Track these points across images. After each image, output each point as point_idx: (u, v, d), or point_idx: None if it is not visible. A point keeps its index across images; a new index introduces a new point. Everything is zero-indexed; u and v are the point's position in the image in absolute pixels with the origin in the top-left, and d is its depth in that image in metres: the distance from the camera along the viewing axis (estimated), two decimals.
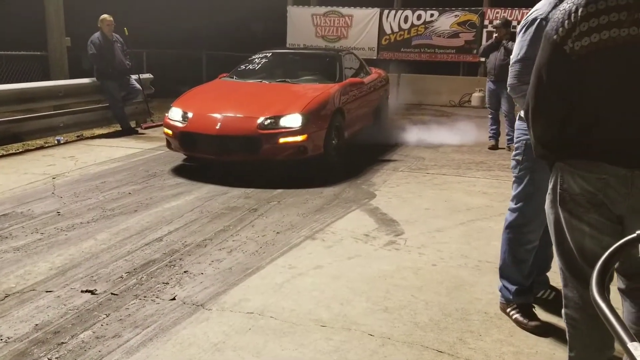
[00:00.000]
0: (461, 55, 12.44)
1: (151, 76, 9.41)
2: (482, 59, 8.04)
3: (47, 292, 3.13)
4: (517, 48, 2.65)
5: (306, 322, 2.85)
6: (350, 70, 7.33)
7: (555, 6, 2.63)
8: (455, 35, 12.35)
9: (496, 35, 7.49)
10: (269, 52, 7.78)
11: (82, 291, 3.14)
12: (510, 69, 2.68)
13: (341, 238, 4.06)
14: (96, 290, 3.16)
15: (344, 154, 6.41)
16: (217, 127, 5.54)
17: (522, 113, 2.80)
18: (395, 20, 12.72)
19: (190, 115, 5.80)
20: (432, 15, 12.45)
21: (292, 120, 5.58)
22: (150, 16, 12.01)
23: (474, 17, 12.19)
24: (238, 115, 5.70)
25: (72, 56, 9.77)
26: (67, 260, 3.57)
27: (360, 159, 6.67)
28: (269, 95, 6.24)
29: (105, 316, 2.87)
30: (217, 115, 5.69)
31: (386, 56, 12.83)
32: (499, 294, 3.03)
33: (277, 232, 4.14)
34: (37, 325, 2.77)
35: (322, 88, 6.30)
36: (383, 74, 8.53)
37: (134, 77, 8.41)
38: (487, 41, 9.40)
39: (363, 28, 12.98)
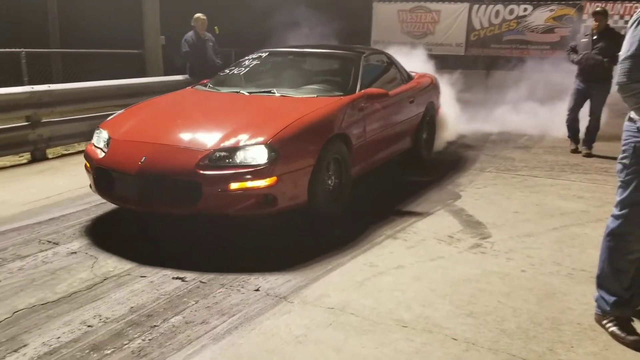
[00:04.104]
0: (556, 52, 11.83)
1: None
2: (574, 58, 7.15)
3: (141, 277, 3.30)
4: (627, 44, 2.48)
5: (387, 321, 2.82)
6: (374, 76, 5.42)
7: None
8: (550, 30, 11.76)
9: (596, 23, 6.78)
10: (264, 52, 5.81)
11: (173, 278, 3.29)
12: (619, 66, 2.51)
13: (423, 238, 3.99)
14: (186, 277, 3.30)
15: (350, 200, 4.50)
16: (140, 162, 3.74)
17: (632, 114, 2.61)
18: (486, 15, 12.29)
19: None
20: (525, 9, 11.92)
21: (254, 154, 3.72)
22: (239, 15, 12.36)
23: (571, 12, 11.55)
24: (175, 145, 3.84)
25: (165, 54, 10.25)
26: (160, 248, 3.76)
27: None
28: (236, 113, 4.40)
29: (194, 302, 2.99)
30: (146, 143, 3.91)
31: (474, 52, 12.45)
32: (595, 304, 2.85)
33: (359, 230, 4.13)
34: (132, 307, 2.94)
35: (318, 104, 4.43)
36: (429, 79, 6.67)
37: None
38: (582, 36, 8.63)
39: (451, 24, 12.66)
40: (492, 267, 3.51)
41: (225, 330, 2.71)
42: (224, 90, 5.04)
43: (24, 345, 2.57)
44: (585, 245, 3.87)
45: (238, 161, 3.70)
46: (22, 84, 7.06)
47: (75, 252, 3.65)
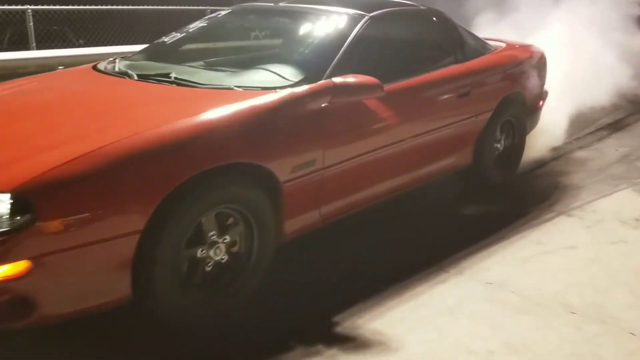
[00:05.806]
0: None
1: None
2: None
3: None
4: None
5: (552, 304, 2.58)
6: (386, 53, 3.24)
7: None
8: None
9: None
10: (228, 9, 3.74)
11: None
12: None
13: (603, 219, 3.56)
14: None
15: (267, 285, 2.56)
16: None
17: None
18: None
19: None
20: None
21: None
22: None
23: None
24: None
25: None
26: None
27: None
28: (56, 119, 2.42)
29: None
30: None
31: None
32: None
33: (527, 204, 3.81)
34: None
35: (216, 103, 2.43)
36: (520, 55, 4.21)
37: None
38: None
39: None
40: None
41: (374, 290, 2.67)
42: (121, 68, 3.07)
43: None
44: None
45: None
46: None
47: None
